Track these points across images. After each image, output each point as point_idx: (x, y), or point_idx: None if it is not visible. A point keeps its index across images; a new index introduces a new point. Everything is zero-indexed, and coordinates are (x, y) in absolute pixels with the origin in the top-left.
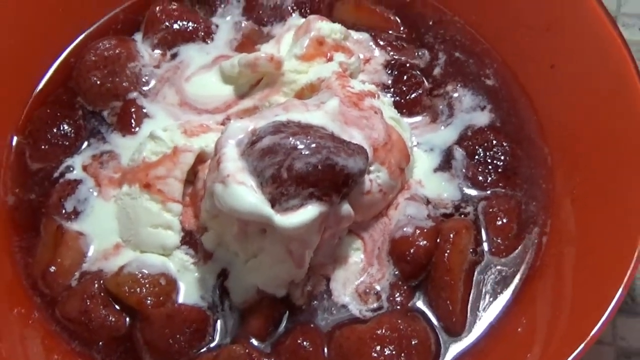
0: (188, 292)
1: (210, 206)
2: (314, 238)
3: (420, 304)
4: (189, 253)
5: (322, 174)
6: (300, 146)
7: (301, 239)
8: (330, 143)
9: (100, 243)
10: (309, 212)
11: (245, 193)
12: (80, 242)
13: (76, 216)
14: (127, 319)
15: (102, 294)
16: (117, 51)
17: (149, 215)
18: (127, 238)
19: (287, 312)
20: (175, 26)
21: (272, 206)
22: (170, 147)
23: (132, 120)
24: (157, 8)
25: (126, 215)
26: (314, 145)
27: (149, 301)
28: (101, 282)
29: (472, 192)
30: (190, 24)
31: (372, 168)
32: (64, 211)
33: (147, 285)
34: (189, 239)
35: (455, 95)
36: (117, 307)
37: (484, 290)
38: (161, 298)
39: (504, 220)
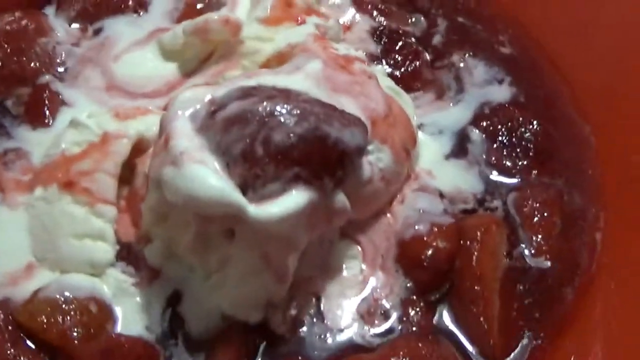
0: (128, 322)
1: (157, 202)
2: (301, 237)
3: (444, 324)
4: (127, 271)
5: (310, 148)
6: (280, 112)
7: (283, 239)
8: (319, 109)
9: (6, 264)
10: (294, 198)
11: (207, 174)
12: None
13: None
14: None
15: (9, 328)
16: (22, 23)
17: (71, 222)
18: (42, 255)
19: (265, 343)
20: None
21: (244, 194)
22: (98, 134)
23: (46, 109)
24: None
25: (41, 226)
26: (297, 110)
27: (75, 334)
28: (8, 313)
29: (499, 181)
30: None
31: (371, 147)
32: None
33: (71, 313)
34: (127, 254)
35: (463, 65)
36: (30, 344)
37: (526, 305)
38: (92, 330)
39: (545, 214)
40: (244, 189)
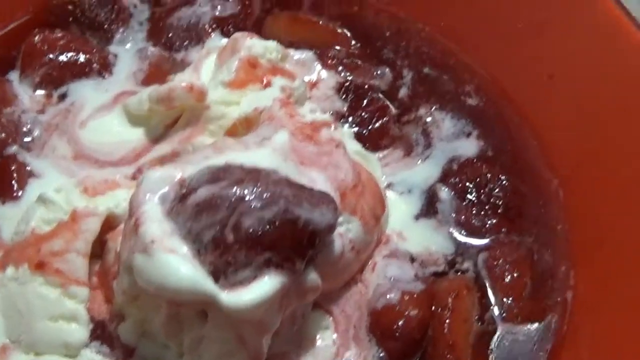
0: None
1: (129, 285)
2: (273, 319)
3: None
4: (101, 351)
5: (280, 233)
6: (249, 197)
7: (256, 322)
8: (287, 191)
9: None
10: (267, 285)
11: (178, 264)
12: None
13: None
14: None
15: None
16: None
17: (45, 304)
18: (16, 338)
19: None
20: (62, 58)
21: (216, 280)
22: (67, 212)
23: (13, 182)
24: (37, 37)
25: (13, 307)
26: (266, 194)
27: None
28: None
29: (469, 241)
30: (81, 55)
31: (340, 219)
32: None
33: None
34: (101, 332)
35: (430, 119)
36: None
37: None
38: None
39: (514, 275)
40: (216, 275)
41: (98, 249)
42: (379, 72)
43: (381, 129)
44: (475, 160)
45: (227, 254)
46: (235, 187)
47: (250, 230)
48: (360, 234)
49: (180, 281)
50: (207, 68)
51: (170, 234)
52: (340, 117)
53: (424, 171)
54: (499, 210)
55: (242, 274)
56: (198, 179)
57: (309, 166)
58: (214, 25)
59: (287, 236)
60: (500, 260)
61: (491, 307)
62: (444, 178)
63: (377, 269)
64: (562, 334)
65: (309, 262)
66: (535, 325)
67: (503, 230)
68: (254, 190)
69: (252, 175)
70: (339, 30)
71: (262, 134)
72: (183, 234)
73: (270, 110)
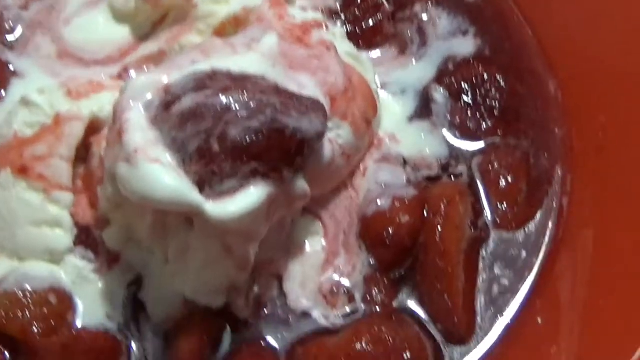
0: (89, 311)
1: (113, 193)
2: (260, 229)
3: (408, 302)
4: (86, 257)
5: (267, 142)
6: (235, 105)
7: (243, 232)
8: (275, 99)
9: None
10: (252, 195)
11: (162, 174)
12: None
13: None
14: (7, 355)
15: None
16: None
17: (28, 210)
18: (0, 243)
19: (229, 327)
20: None
21: (201, 190)
22: (50, 116)
23: None
24: None
25: None
26: (253, 103)
27: (35, 329)
28: None
29: (463, 144)
30: None
31: (330, 125)
32: None
33: (31, 307)
34: (86, 238)
35: (426, 17)
36: None
37: (492, 278)
38: (52, 322)
39: (509, 180)
40: (201, 185)
41: (83, 152)
42: None
43: (375, 27)
44: (471, 60)
45: (212, 164)
46: (221, 96)
47: (237, 139)
48: (350, 139)
49: (164, 191)
50: None
51: (154, 142)
52: (332, 15)
53: (418, 71)
54: (495, 112)
55: (228, 184)
56: (183, 86)
57: (298, 70)
58: None
59: (274, 146)
60: (495, 165)
61: (485, 213)
62: (439, 78)
63: (368, 174)
64: (557, 241)
65: (298, 170)
66: (530, 231)
67: (499, 133)
68: (241, 98)
69: (239, 82)
70: None
71: (251, 35)
72: (167, 143)
73: (260, 10)
